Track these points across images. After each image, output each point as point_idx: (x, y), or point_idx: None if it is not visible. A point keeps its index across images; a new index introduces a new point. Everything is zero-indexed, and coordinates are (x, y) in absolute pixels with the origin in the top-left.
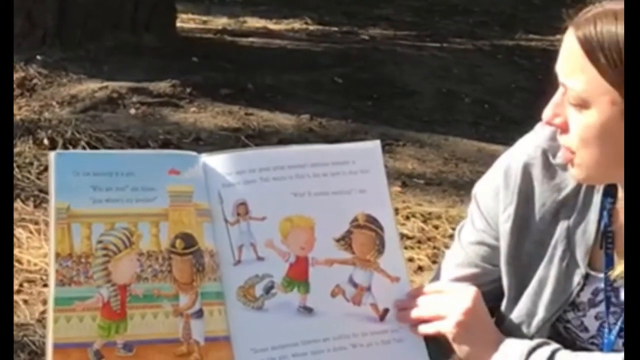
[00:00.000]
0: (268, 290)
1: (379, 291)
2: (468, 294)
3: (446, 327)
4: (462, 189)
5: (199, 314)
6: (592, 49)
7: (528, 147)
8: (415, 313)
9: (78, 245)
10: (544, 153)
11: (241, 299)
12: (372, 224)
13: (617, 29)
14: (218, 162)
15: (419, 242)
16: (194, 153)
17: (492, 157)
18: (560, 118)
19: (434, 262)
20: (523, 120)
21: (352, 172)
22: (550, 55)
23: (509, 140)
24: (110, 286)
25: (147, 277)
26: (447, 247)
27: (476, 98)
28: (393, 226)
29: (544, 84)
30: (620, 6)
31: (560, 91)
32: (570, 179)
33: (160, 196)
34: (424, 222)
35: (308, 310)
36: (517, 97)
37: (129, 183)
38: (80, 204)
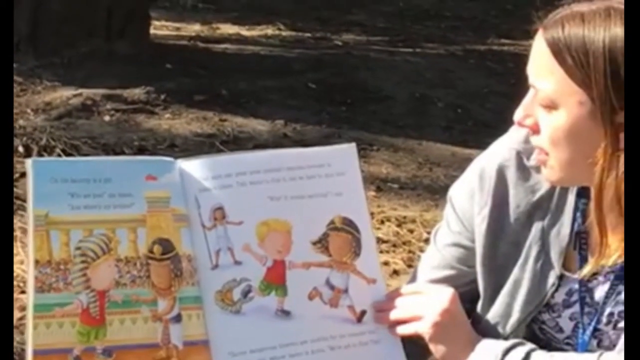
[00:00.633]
0: (246, 294)
1: (356, 293)
2: (445, 294)
3: (423, 328)
4: (436, 193)
5: (178, 318)
6: (559, 50)
7: (502, 149)
8: (393, 314)
9: (57, 251)
10: (518, 155)
11: (219, 303)
12: (348, 226)
13: (583, 31)
14: (194, 167)
15: (394, 245)
16: (170, 159)
17: (466, 161)
18: (531, 119)
19: (409, 265)
20: (496, 124)
21: (328, 175)
22: (523, 59)
23: (482, 144)
24: (89, 292)
25: (126, 282)
26: (422, 250)
27: (449, 102)
28: (369, 228)
29: (516, 88)
30: (586, 8)
31: (530, 92)
32: (544, 181)
33: (137, 202)
34: (399, 226)
35: (286, 314)
36: (489, 101)
37: (106, 189)
38: (59, 211)
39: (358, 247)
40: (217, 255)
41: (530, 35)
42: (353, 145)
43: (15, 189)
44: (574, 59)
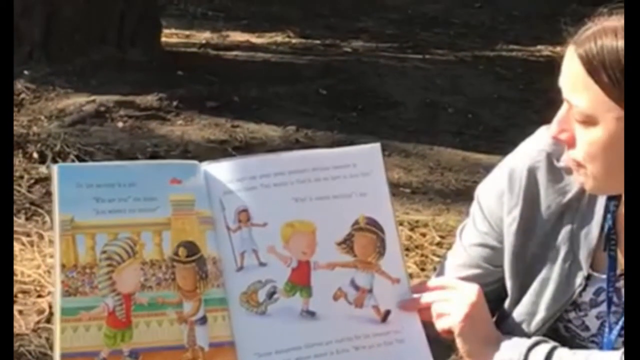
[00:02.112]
0: (271, 295)
1: (381, 293)
2: (472, 288)
3: (453, 322)
4: (447, 197)
5: (203, 320)
6: (594, 67)
7: (532, 151)
8: (421, 310)
9: (83, 256)
10: (548, 157)
11: (244, 304)
12: (372, 226)
13: (617, 46)
14: (219, 169)
15: (407, 250)
16: (194, 162)
17: (477, 166)
18: (567, 133)
19: (422, 269)
20: (505, 129)
21: (353, 176)
22: (531, 65)
23: (492, 149)
24: (115, 295)
25: (151, 285)
26: (435, 254)
27: (459, 108)
28: (394, 228)
29: (525, 93)
30: (620, 23)
31: (564, 107)
32: (574, 182)
33: (162, 206)
34: (411, 230)
35: (311, 314)
36: (499, 107)
37: (131, 194)
38: (84, 216)
39: (382, 247)
40: (242, 257)
41: (538, 41)
42: (378, 145)
43: (30, 194)
44: (609, 76)
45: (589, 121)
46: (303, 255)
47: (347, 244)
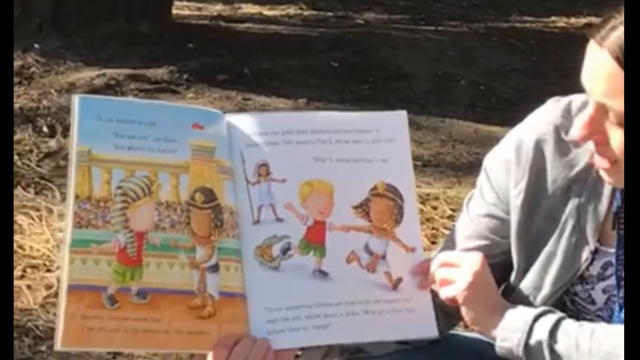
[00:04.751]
0: (285, 251)
1: (394, 260)
2: (476, 257)
3: (457, 290)
4: (459, 170)
5: (215, 268)
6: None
7: (540, 123)
8: (427, 278)
9: (97, 189)
10: (556, 129)
11: (258, 258)
12: (391, 192)
13: None
14: (242, 122)
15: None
16: (218, 111)
17: (489, 138)
18: (597, 135)
19: (433, 242)
20: (518, 101)
21: (376, 141)
22: (545, 36)
23: (504, 121)
24: (128, 232)
25: (165, 226)
26: (446, 227)
27: (471, 80)
28: (413, 197)
29: (538, 65)
30: None
31: (592, 108)
32: (582, 155)
33: (181, 148)
34: (422, 203)
35: (323, 274)
36: (512, 79)
37: (151, 132)
38: (102, 149)
39: (400, 215)
40: (259, 211)
41: (552, 12)
42: (404, 112)
43: (39, 169)
44: None
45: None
46: (319, 215)
47: (363, 208)
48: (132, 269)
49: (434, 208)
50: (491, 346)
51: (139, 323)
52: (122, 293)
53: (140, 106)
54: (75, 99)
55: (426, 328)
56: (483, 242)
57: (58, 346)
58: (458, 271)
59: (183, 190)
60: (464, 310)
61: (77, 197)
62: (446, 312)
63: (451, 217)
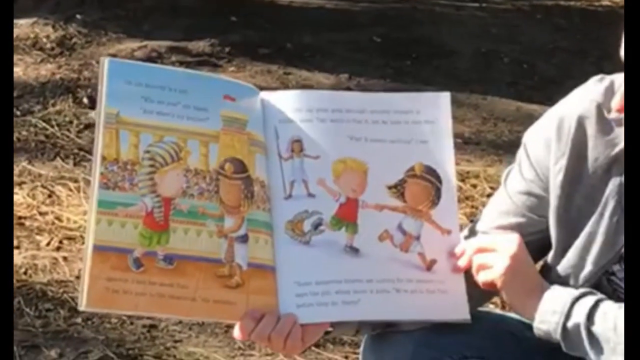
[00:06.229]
0: (316, 226)
1: (428, 242)
2: (513, 240)
3: (494, 274)
4: (500, 148)
5: (244, 238)
6: None
7: (583, 100)
8: (462, 263)
9: (125, 152)
10: (599, 107)
11: (289, 232)
12: (429, 174)
13: None
14: (277, 98)
15: (457, 200)
16: (252, 86)
17: (530, 117)
18: None
19: (472, 221)
20: (561, 80)
21: (415, 122)
22: (589, 15)
23: (546, 100)
24: (155, 197)
25: (193, 194)
26: (485, 206)
27: (514, 58)
28: (452, 180)
29: (582, 44)
30: None
31: None
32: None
33: (212, 118)
34: (462, 181)
35: (354, 251)
36: (555, 57)
37: (181, 100)
38: (130, 112)
39: (437, 197)
40: (292, 186)
41: None
42: (447, 94)
43: (78, 140)
44: None
45: None
46: (352, 193)
47: (397, 189)
48: (159, 234)
49: (474, 186)
50: (527, 326)
51: (165, 288)
52: (148, 257)
53: (170, 73)
54: (105, 62)
55: (458, 311)
56: (520, 220)
57: (82, 306)
58: (496, 255)
59: (212, 160)
60: (503, 294)
61: (104, 158)
62: (480, 289)
63: (491, 196)
